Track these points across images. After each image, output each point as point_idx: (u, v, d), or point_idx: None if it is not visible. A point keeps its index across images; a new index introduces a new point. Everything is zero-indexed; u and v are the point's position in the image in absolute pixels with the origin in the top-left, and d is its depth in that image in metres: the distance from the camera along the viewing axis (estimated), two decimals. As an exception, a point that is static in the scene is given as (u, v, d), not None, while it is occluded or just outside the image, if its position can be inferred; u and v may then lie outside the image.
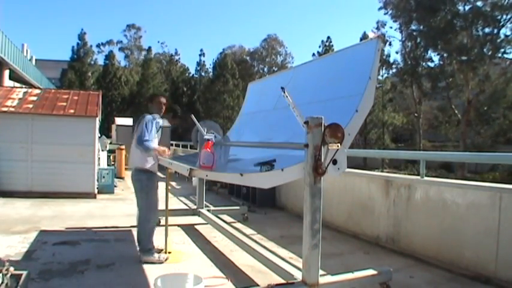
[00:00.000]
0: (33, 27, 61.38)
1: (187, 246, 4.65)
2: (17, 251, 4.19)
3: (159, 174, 4.24)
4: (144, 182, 3.97)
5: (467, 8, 21.87)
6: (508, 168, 18.49)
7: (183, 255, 4.25)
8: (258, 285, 3.07)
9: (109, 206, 7.27)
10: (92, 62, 34.16)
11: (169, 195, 4.83)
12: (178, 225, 5.50)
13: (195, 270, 3.40)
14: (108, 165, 10.96)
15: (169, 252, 4.17)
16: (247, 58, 35.67)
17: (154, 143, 3.93)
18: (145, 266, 3.82)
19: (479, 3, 21.37)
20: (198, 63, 36.55)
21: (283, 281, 2.95)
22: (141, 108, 31.42)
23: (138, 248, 4.14)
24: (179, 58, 38.56)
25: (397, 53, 27.65)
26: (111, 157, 12.21)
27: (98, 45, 37.15)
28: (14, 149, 7.67)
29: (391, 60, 26.97)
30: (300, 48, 61.75)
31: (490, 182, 7.08)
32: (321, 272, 2.72)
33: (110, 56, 33.94)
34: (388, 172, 17.16)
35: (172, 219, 4.96)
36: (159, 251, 4.11)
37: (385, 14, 25.15)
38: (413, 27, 24.14)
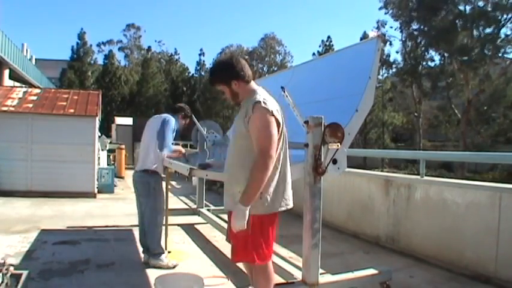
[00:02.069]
0: (33, 27, 61.33)
1: (187, 246, 4.66)
2: (17, 251, 4.18)
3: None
4: (152, 185, 3.82)
5: (468, 8, 21.88)
6: (507, 168, 18.49)
7: (183, 254, 4.25)
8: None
9: (109, 206, 7.27)
10: (92, 62, 34.12)
11: (170, 194, 4.83)
12: (178, 225, 5.50)
13: (195, 270, 3.41)
14: (108, 164, 10.96)
15: (169, 252, 4.16)
16: (247, 57, 35.61)
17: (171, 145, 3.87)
18: (146, 266, 3.82)
19: (480, 3, 21.39)
20: (198, 63, 36.47)
21: (283, 281, 2.95)
22: (141, 107, 31.45)
23: (141, 250, 4.09)
24: (179, 58, 38.51)
25: (397, 52, 27.60)
26: (111, 157, 12.22)
27: (98, 45, 37.15)
28: (13, 149, 7.66)
29: (391, 60, 26.98)
30: (300, 47, 61.72)
31: (490, 181, 7.08)
32: (321, 271, 2.72)
33: (109, 56, 33.91)
34: (388, 172, 17.17)
35: (172, 219, 4.95)
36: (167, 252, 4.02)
37: (385, 13, 25.15)
38: (414, 26, 24.13)
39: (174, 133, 3.96)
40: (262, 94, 2.23)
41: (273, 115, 2.13)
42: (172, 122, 3.90)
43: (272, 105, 2.17)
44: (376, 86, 3.76)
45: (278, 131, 2.15)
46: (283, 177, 2.25)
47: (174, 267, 3.80)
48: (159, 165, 3.90)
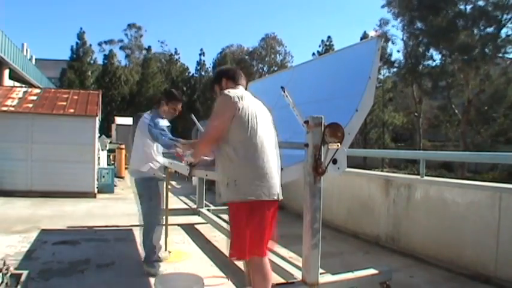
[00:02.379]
0: (33, 27, 61.28)
1: (187, 246, 4.66)
2: (17, 251, 4.19)
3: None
4: (146, 189, 3.76)
5: (468, 7, 21.86)
6: (507, 168, 18.48)
7: (183, 254, 4.25)
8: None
9: (109, 206, 7.27)
10: (92, 62, 34.11)
11: (170, 194, 4.83)
12: (178, 225, 5.50)
13: (195, 270, 3.40)
14: (108, 164, 10.97)
15: (169, 252, 4.16)
16: (247, 57, 35.58)
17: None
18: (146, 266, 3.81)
19: (480, 3, 21.38)
20: (198, 63, 36.42)
21: (283, 281, 2.95)
22: (141, 107, 31.45)
23: (141, 249, 4.04)
24: (179, 57, 38.45)
25: (398, 51, 27.52)
26: (111, 156, 12.22)
27: (99, 44, 37.22)
28: (14, 149, 7.67)
29: (393, 59, 26.94)
30: (300, 47, 61.56)
31: (490, 181, 7.07)
32: (321, 271, 2.72)
33: (109, 56, 33.90)
34: (388, 171, 17.16)
35: (172, 219, 4.95)
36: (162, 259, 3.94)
37: (388, 12, 25.07)
38: (415, 26, 24.07)
39: (164, 123, 3.81)
40: (238, 90, 2.38)
41: (233, 100, 2.24)
42: (148, 119, 3.74)
43: (237, 93, 2.31)
44: (376, 86, 3.76)
45: (236, 114, 2.23)
46: (256, 165, 2.22)
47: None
48: (146, 167, 3.75)
